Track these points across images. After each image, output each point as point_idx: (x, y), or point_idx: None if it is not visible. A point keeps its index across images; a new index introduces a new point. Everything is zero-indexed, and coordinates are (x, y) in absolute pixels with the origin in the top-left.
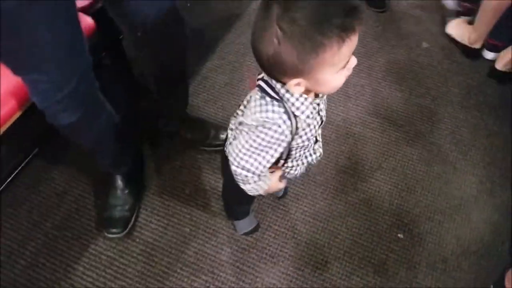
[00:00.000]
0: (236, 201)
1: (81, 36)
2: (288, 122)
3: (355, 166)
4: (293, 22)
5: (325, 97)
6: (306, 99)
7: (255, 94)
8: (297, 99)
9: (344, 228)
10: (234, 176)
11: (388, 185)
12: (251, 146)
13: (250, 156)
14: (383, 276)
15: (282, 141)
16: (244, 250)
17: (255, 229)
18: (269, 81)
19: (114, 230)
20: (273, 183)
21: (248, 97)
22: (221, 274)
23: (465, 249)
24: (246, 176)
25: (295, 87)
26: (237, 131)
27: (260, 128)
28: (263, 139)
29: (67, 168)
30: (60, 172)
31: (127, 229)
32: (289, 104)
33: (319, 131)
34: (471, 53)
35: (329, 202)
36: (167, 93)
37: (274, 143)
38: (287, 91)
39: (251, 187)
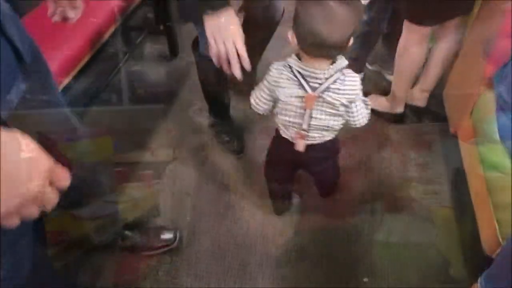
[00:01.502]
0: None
1: None
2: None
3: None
4: None
5: None
6: None
7: (337, 83)
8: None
9: (314, 286)
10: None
11: (339, 235)
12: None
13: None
14: None
15: None
16: None
17: None
18: (329, 76)
19: None
20: None
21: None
22: None
23: (425, 274)
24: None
25: None
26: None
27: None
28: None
29: None
30: None
31: None
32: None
33: None
34: (396, 119)
35: (292, 265)
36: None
37: None
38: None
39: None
